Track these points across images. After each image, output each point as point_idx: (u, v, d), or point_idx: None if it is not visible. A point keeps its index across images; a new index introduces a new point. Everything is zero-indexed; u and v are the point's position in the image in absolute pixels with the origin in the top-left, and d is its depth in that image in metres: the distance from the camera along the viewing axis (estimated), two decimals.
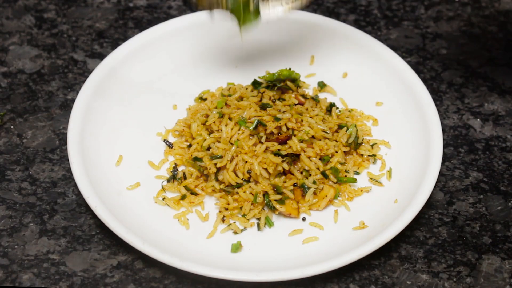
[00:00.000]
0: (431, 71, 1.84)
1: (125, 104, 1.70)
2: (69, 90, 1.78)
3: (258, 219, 1.55)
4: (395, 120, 1.69)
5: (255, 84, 1.69)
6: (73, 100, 1.74)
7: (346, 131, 1.61)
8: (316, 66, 1.79)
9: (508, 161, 1.68)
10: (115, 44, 1.87)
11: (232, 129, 1.58)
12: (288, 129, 1.58)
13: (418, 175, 1.56)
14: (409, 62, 1.83)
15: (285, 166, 1.55)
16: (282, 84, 1.67)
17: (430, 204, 1.60)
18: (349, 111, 1.69)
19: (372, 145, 1.65)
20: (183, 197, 1.57)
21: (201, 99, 1.71)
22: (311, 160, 1.57)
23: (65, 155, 1.66)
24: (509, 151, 1.70)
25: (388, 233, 1.47)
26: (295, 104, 1.64)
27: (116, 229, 1.46)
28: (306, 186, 1.55)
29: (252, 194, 1.54)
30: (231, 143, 1.56)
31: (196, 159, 1.58)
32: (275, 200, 1.54)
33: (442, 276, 1.50)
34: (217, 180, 1.57)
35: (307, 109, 1.64)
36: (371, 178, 1.61)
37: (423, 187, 1.52)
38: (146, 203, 1.57)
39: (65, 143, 1.67)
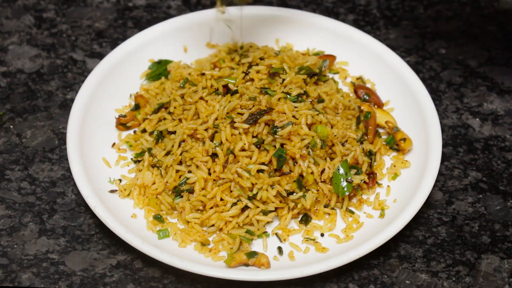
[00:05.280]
0: (430, 71, 1.84)
1: (124, 103, 1.70)
2: (68, 89, 1.78)
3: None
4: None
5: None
6: (72, 100, 1.74)
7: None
8: None
9: (507, 161, 1.68)
10: (114, 44, 1.87)
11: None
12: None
13: (417, 175, 1.56)
14: (408, 62, 1.83)
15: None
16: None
17: (429, 203, 1.60)
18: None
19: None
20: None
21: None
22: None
23: (65, 155, 1.66)
24: (508, 150, 1.70)
25: (387, 233, 1.47)
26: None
27: (115, 228, 1.46)
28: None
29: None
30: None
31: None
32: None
33: (441, 275, 1.50)
34: None
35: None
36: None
37: (422, 187, 1.52)
38: (145, 202, 1.57)
39: (65, 143, 1.67)
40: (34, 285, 1.47)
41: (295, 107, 1.55)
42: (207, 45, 1.79)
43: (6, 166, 1.64)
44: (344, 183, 1.53)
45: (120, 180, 1.58)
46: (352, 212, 1.55)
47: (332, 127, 1.59)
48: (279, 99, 1.56)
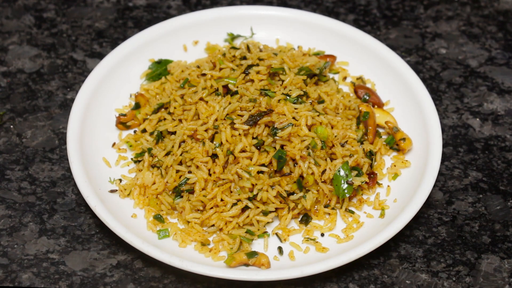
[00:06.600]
0: (430, 71, 1.84)
1: (124, 103, 1.70)
2: (68, 89, 1.78)
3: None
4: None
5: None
6: (72, 100, 1.74)
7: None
8: None
9: (507, 161, 1.68)
10: (114, 44, 1.87)
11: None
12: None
13: (417, 175, 1.56)
14: (408, 62, 1.83)
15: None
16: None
17: (429, 203, 1.60)
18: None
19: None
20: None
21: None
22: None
23: (65, 155, 1.66)
24: (508, 150, 1.70)
25: (387, 233, 1.47)
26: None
27: (115, 228, 1.46)
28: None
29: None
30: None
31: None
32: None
33: (441, 275, 1.50)
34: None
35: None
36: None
37: (422, 187, 1.52)
38: (145, 202, 1.57)
39: (65, 143, 1.67)
40: (34, 285, 1.47)
41: (295, 109, 1.55)
42: (207, 45, 1.79)
43: (6, 166, 1.64)
44: (345, 185, 1.53)
45: (120, 180, 1.58)
46: (352, 212, 1.55)
47: (332, 128, 1.59)
48: (279, 100, 1.56)
